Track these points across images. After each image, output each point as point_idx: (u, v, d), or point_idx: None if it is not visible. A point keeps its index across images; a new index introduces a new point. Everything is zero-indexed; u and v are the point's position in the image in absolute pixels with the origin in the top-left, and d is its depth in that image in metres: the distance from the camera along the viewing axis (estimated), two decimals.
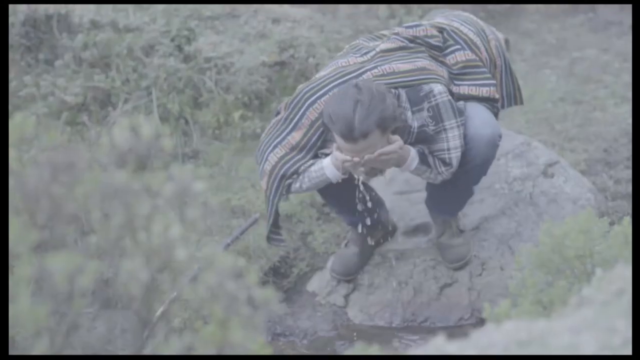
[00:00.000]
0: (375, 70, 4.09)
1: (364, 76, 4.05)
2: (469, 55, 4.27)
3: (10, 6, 5.61)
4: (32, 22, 5.67)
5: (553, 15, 6.93)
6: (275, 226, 4.26)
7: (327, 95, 4.04)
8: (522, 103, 4.53)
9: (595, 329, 2.08)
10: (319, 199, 4.92)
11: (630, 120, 5.31)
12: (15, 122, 2.32)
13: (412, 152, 4.09)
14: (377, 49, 4.18)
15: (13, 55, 5.63)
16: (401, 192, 4.74)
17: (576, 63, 6.29)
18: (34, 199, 2.09)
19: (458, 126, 4.09)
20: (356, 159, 3.95)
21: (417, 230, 4.66)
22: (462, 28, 4.33)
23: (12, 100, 5.54)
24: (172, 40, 5.61)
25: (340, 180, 4.11)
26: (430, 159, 4.12)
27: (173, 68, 5.50)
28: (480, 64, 4.28)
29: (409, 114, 4.06)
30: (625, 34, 6.53)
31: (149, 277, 2.08)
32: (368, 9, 6.50)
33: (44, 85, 5.54)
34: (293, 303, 4.63)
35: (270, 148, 4.16)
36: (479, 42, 4.34)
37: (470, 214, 4.61)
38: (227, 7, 5.89)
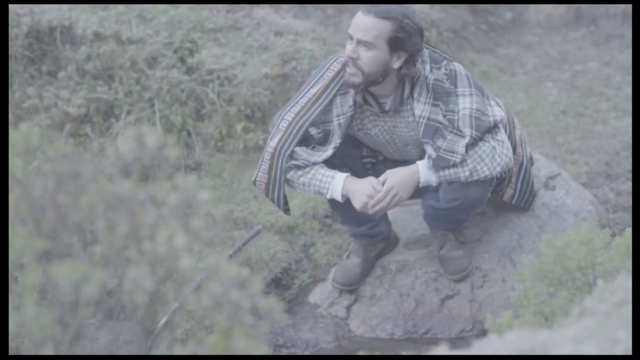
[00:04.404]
0: None
1: None
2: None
3: (14, 18, 5.63)
4: (36, 34, 5.69)
5: (555, 28, 6.95)
6: (285, 202, 4.26)
7: None
8: (528, 209, 4.60)
9: (597, 339, 2.08)
10: (321, 210, 4.92)
11: (632, 133, 5.32)
12: (21, 132, 2.33)
13: (420, 167, 4.10)
14: None
15: (16, 67, 5.64)
16: (403, 204, 4.74)
17: (578, 76, 6.31)
18: (40, 209, 2.10)
19: (470, 95, 4.07)
20: (380, 196, 4.08)
21: (419, 241, 4.67)
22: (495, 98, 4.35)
23: (15, 112, 5.56)
24: (175, 52, 5.63)
25: (339, 199, 4.13)
26: (445, 126, 4.06)
27: (176, 80, 5.51)
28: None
29: (428, 67, 4.06)
30: (627, 47, 6.55)
31: (153, 286, 2.09)
32: None
33: (47, 97, 5.55)
34: (295, 314, 4.63)
35: (287, 108, 4.19)
36: (505, 111, 4.30)
37: (472, 226, 4.62)
38: (230, 20, 5.90)
